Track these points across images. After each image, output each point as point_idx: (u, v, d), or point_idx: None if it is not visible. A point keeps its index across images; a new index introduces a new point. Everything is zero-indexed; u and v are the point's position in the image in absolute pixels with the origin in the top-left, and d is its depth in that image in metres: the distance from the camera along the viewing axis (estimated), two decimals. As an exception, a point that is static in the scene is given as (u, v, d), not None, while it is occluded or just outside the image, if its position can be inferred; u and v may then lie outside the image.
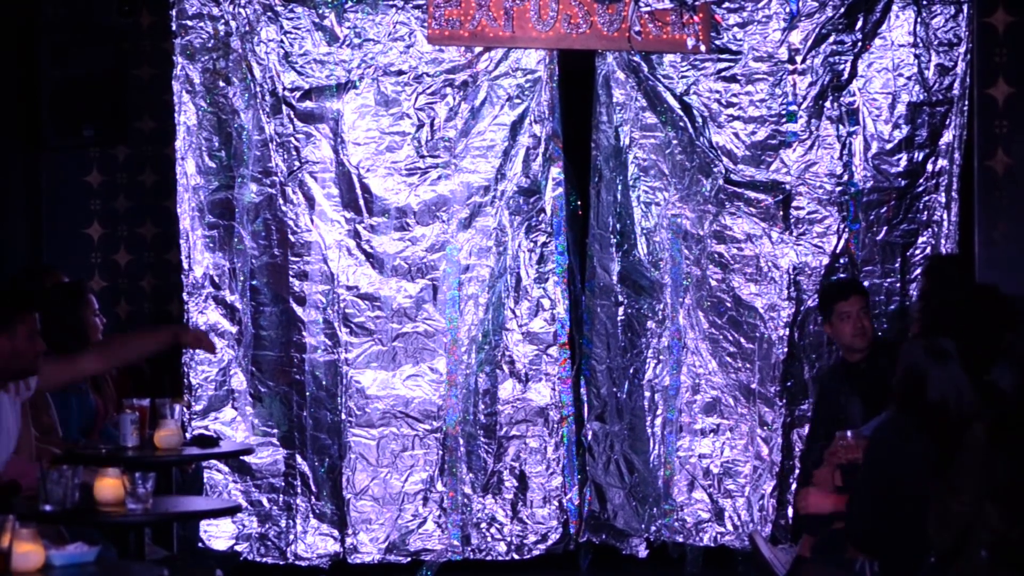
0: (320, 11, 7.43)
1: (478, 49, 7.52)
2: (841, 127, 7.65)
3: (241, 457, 7.18)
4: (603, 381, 7.62)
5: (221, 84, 7.41)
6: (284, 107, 7.43)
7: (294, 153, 7.45)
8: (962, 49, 7.65)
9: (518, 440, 7.54)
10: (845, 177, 7.65)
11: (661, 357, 7.62)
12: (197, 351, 7.32)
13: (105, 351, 6.04)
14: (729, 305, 7.61)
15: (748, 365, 7.59)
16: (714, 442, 7.60)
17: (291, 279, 7.44)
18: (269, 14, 7.41)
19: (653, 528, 7.58)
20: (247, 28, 7.40)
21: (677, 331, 7.61)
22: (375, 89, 7.48)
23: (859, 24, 7.64)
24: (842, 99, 7.65)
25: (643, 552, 7.64)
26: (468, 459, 7.50)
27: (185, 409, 6.98)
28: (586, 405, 7.62)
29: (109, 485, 4.84)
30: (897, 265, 7.68)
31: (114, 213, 8.28)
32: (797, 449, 7.55)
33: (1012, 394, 4.67)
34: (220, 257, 7.41)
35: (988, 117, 7.71)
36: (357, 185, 7.48)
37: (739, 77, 7.63)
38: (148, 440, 6.07)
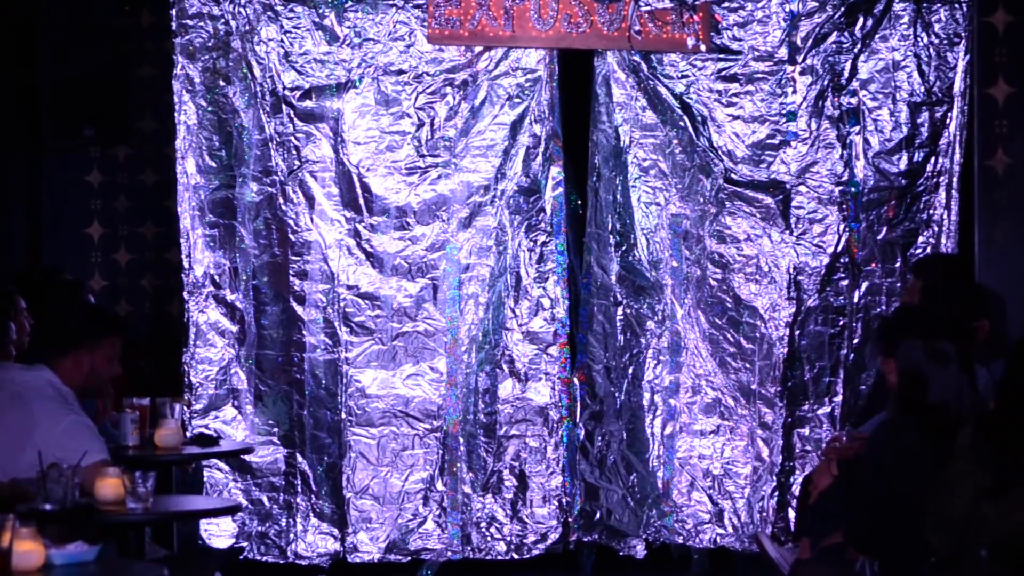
0: (320, 11, 7.43)
1: (478, 48, 7.51)
2: (841, 126, 7.64)
3: (241, 456, 7.18)
4: (601, 381, 7.61)
5: (221, 83, 7.41)
6: (284, 106, 7.43)
7: (294, 152, 7.45)
8: (962, 48, 7.64)
9: (518, 439, 7.54)
10: (845, 176, 7.64)
11: (661, 357, 7.61)
12: (197, 349, 7.34)
13: None
14: (729, 305, 7.61)
15: (748, 365, 7.58)
16: (714, 443, 7.59)
17: (291, 278, 7.44)
18: (269, 14, 7.41)
19: (652, 529, 7.58)
20: (247, 28, 7.40)
21: (677, 331, 7.60)
22: (375, 88, 7.48)
23: (859, 23, 7.63)
24: (842, 98, 7.64)
25: (641, 552, 7.63)
26: (468, 458, 7.49)
27: (185, 408, 7.00)
28: (579, 404, 7.61)
29: (109, 484, 4.84)
30: (898, 265, 7.66)
31: (114, 213, 8.28)
32: (797, 450, 7.55)
33: (996, 391, 4.68)
34: (220, 256, 7.41)
35: (988, 116, 7.71)
36: (357, 184, 7.48)
37: (739, 76, 7.63)
38: (148, 439, 6.08)
